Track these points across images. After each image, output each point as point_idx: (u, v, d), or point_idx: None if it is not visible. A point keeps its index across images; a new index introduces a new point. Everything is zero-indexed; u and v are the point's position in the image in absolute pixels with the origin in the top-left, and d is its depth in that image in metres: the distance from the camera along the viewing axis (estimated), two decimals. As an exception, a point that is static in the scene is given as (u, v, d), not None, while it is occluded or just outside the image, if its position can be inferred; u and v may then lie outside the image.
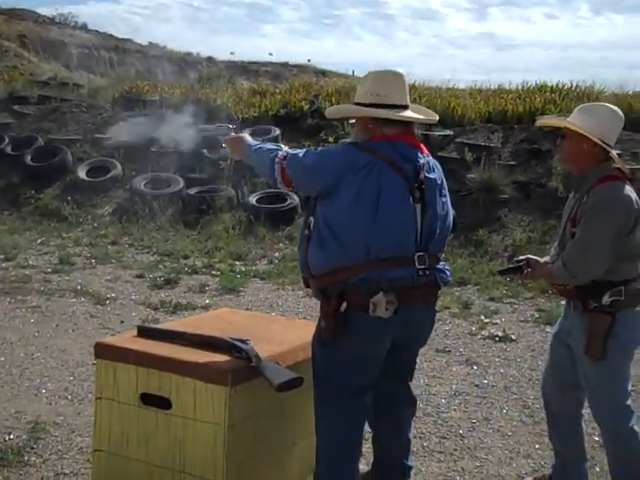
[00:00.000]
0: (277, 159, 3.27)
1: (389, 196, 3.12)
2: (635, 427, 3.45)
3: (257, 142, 3.58)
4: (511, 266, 3.74)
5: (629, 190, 3.37)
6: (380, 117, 3.22)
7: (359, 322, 3.12)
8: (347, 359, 3.19)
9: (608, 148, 3.41)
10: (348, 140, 3.42)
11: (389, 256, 3.13)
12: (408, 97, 3.33)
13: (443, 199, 3.31)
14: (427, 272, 3.19)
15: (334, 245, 3.13)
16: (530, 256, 3.70)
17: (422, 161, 3.24)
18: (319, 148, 3.37)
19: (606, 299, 3.34)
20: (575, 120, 3.48)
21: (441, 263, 3.30)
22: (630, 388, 3.50)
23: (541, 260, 3.66)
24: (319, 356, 3.27)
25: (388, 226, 3.12)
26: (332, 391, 3.25)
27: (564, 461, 3.75)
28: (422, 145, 3.34)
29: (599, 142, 3.38)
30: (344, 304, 3.10)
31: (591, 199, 3.33)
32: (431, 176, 3.26)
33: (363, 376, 3.28)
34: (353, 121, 3.40)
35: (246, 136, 3.63)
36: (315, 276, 3.23)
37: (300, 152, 3.31)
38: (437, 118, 3.52)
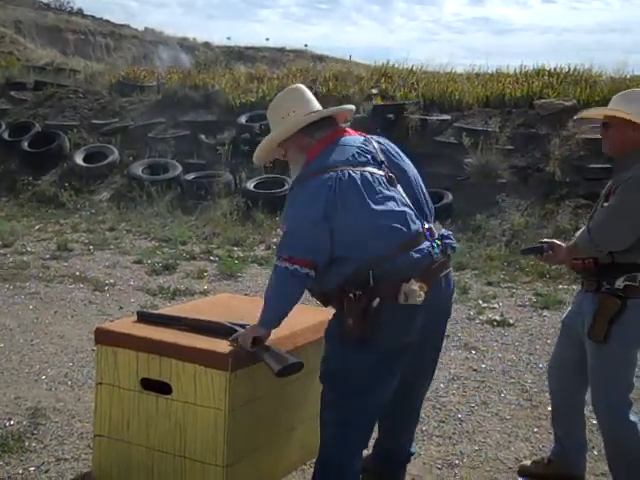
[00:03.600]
0: (285, 265, 3.06)
1: (373, 192, 3.10)
2: (632, 418, 3.44)
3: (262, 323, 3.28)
4: (533, 245, 3.71)
5: None
6: (319, 118, 3.23)
7: (391, 314, 3.04)
8: (379, 354, 3.11)
9: None
10: (294, 177, 3.28)
11: (404, 241, 3.10)
12: (316, 102, 3.35)
13: (406, 166, 3.30)
14: (439, 243, 3.20)
15: (351, 258, 3.05)
16: (554, 240, 3.70)
17: (370, 144, 3.25)
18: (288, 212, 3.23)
19: (619, 283, 3.33)
20: (619, 107, 3.48)
21: (442, 230, 3.29)
22: (634, 380, 3.47)
23: (563, 245, 3.64)
24: (342, 357, 3.14)
25: (389, 218, 3.09)
26: (361, 394, 3.15)
27: (564, 448, 3.78)
28: (352, 130, 3.35)
29: None
30: (376, 299, 3.02)
31: (628, 175, 3.33)
32: (388, 150, 3.27)
33: (393, 371, 3.20)
34: (283, 153, 3.35)
35: (248, 333, 3.31)
36: (328, 290, 3.14)
37: (283, 241, 3.15)
38: (350, 107, 3.50)
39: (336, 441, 3.18)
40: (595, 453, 4.15)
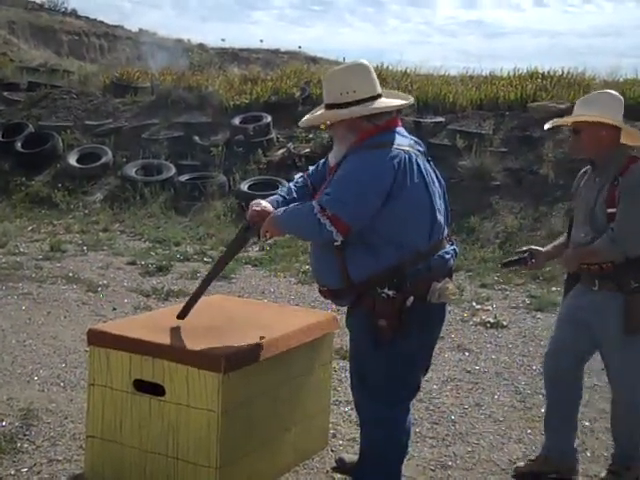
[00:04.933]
0: (319, 215, 3.01)
1: (429, 179, 3.14)
2: None
3: (279, 212, 3.23)
4: (514, 258, 3.78)
5: None
6: (371, 113, 3.17)
7: (423, 312, 3.08)
8: (412, 352, 3.16)
9: (624, 126, 3.64)
10: (337, 153, 3.23)
11: (439, 238, 3.15)
12: (378, 84, 3.29)
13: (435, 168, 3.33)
14: (454, 244, 3.27)
15: (389, 247, 3.05)
16: (532, 247, 3.87)
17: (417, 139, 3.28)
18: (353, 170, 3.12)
19: None
20: (583, 112, 3.68)
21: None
22: None
23: (542, 249, 3.83)
24: (376, 359, 3.15)
25: (438, 210, 3.14)
26: (396, 389, 3.21)
27: (559, 440, 3.87)
28: None
29: (618, 124, 3.60)
30: (411, 298, 3.04)
31: (628, 180, 3.52)
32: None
33: (423, 366, 3.32)
34: (329, 123, 3.29)
35: (265, 206, 3.30)
36: (356, 284, 3.10)
37: (332, 193, 3.06)
38: (412, 100, 3.53)
39: (386, 445, 3.26)
40: (588, 455, 4.16)
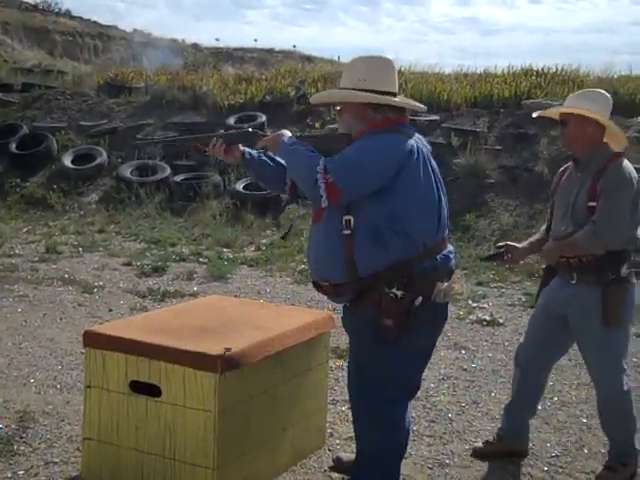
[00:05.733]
0: (320, 175, 2.96)
1: (438, 177, 3.16)
2: (627, 386, 3.77)
3: (294, 143, 3.19)
4: (492, 253, 3.82)
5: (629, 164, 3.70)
6: (388, 104, 3.13)
7: (428, 311, 3.08)
8: (415, 351, 3.17)
9: (611, 124, 3.70)
10: (364, 129, 3.14)
11: (443, 237, 3.17)
12: (396, 82, 3.26)
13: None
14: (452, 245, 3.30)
15: (398, 240, 3.01)
16: (508, 242, 3.97)
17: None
18: (357, 147, 3.08)
19: (624, 270, 3.63)
20: (572, 105, 3.73)
21: None
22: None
23: (519, 245, 3.94)
24: (379, 357, 3.14)
25: (442, 207, 3.15)
26: (397, 388, 3.21)
27: (517, 424, 4.08)
28: None
29: (603, 122, 3.66)
30: (419, 298, 3.02)
31: (610, 175, 3.60)
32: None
33: (424, 366, 3.34)
34: (339, 107, 3.27)
35: (285, 132, 3.28)
36: (362, 277, 3.05)
37: (339, 160, 3.01)
38: (424, 108, 3.51)
39: (387, 445, 3.25)
40: (585, 452, 4.17)
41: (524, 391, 4.04)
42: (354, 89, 3.16)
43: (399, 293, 2.98)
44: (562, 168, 4.01)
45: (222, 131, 3.67)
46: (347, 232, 3.02)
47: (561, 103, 3.91)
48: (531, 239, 4.07)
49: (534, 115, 4.10)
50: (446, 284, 3.10)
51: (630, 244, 3.67)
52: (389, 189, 3.00)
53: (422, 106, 3.41)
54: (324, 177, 2.95)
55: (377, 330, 3.05)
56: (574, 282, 3.71)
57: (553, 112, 3.94)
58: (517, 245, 3.94)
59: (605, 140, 3.75)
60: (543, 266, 4.05)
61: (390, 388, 3.18)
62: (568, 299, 3.74)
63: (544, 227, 4.04)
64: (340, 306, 3.36)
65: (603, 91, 3.86)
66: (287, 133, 3.26)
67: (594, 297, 3.62)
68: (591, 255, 3.61)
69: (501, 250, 3.89)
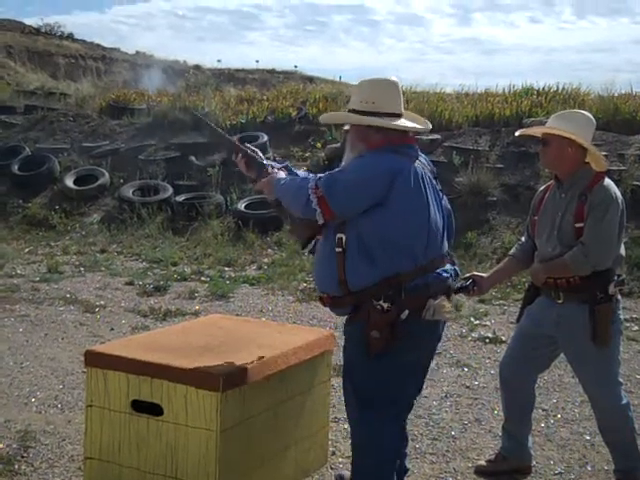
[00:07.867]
0: (312, 191, 3.07)
1: (431, 196, 3.17)
2: (625, 400, 3.78)
3: (285, 178, 3.33)
4: (459, 285, 3.80)
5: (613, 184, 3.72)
6: (383, 127, 3.19)
7: (417, 327, 3.09)
8: (402, 365, 3.16)
9: (592, 148, 3.70)
10: (364, 149, 3.21)
11: (437, 255, 3.18)
12: (402, 105, 3.31)
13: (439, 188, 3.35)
14: (455, 265, 3.31)
15: (386, 256, 3.07)
16: (475, 273, 4.01)
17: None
18: (344, 165, 3.23)
19: (612, 289, 3.63)
20: (555, 126, 3.74)
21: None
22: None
23: (485, 275, 3.97)
24: (368, 370, 3.15)
25: (436, 226, 3.17)
26: (386, 403, 3.19)
27: (517, 442, 4.05)
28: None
29: (584, 143, 3.65)
30: (405, 312, 3.05)
31: (596, 196, 3.61)
32: (432, 169, 3.33)
33: (415, 383, 3.33)
34: (347, 127, 3.37)
35: (277, 175, 3.39)
36: (354, 292, 3.11)
37: (329, 176, 3.14)
38: (430, 126, 3.51)
39: (377, 462, 3.24)
40: (589, 469, 4.15)
41: (514, 408, 4.05)
42: (358, 111, 3.23)
43: (385, 305, 3.04)
44: (542, 187, 4.01)
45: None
46: (339, 250, 3.11)
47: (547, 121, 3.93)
48: (496, 267, 4.14)
49: (517, 134, 4.13)
50: (437, 302, 3.09)
51: (616, 263, 3.68)
52: (378, 207, 3.07)
53: (422, 126, 3.41)
54: (315, 192, 3.07)
55: (366, 342, 3.10)
56: (561, 302, 3.71)
57: (536, 131, 3.97)
58: (483, 275, 3.97)
59: (587, 160, 3.74)
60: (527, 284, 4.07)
61: (379, 402, 3.18)
62: (556, 319, 3.73)
63: (514, 250, 4.06)
64: (342, 323, 3.38)
65: (586, 112, 3.89)
66: (280, 174, 3.38)
67: (583, 317, 3.62)
68: (578, 276, 3.62)
69: (467, 283, 3.86)
